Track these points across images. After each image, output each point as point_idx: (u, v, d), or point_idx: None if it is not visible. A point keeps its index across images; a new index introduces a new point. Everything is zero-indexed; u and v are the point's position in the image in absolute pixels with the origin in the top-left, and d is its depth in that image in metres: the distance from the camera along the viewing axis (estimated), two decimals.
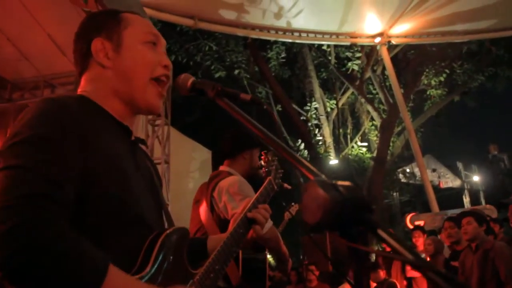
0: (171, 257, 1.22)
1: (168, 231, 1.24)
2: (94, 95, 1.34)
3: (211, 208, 2.78)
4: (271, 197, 1.86)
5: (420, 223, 9.72)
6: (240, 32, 10.90)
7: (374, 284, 6.38)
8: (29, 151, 1.07)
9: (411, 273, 7.03)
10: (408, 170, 21.81)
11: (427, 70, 16.09)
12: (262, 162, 2.09)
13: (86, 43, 1.38)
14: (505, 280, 3.98)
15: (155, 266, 1.16)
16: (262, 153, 2.15)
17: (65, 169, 1.08)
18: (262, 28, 10.93)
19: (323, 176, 0.86)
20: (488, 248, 4.21)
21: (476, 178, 27.02)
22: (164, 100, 7.82)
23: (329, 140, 16.56)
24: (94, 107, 1.31)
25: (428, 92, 16.94)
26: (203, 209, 2.87)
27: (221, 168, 3.03)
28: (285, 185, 2.88)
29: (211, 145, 13.67)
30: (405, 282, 6.83)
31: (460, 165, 27.52)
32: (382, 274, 6.60)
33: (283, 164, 2.12)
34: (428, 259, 5.73)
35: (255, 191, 2.87)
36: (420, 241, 7.14)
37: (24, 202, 0.97)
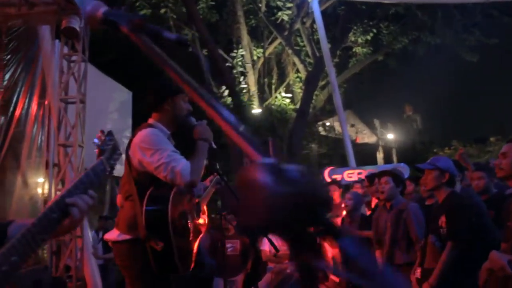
0: None
1: None
2: None
3: (129, 164, 2.76)
4: (101, 179, 1.60)
5: (337, 177, 10.02)
6: None
7: None
8: None
9: None
10: (328, 124, 22.44)
11: (355, 27, 16.25)
12: (97, 140, 1.81)
13: None
14: (415, 240, 4.13)
15: None
16: (100, 131, 1.87)
17: None
18: None
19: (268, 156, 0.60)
20: (402, 209, 4.33)
21: (390, 136, 28.33)
22: (81, 34, 7.14)
23: (254, 88, 16.40)
24: None
25: (354, 50, 17.19)
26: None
27: (149, 120, 2.94)
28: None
29: (132, 85, 13.09)
30: None
31: (377, 123, 28.69)
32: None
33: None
34: (346, 214, 5.86)
35: (188, 141, 2.81)
36: (336, 195, 7.31)
37: None
